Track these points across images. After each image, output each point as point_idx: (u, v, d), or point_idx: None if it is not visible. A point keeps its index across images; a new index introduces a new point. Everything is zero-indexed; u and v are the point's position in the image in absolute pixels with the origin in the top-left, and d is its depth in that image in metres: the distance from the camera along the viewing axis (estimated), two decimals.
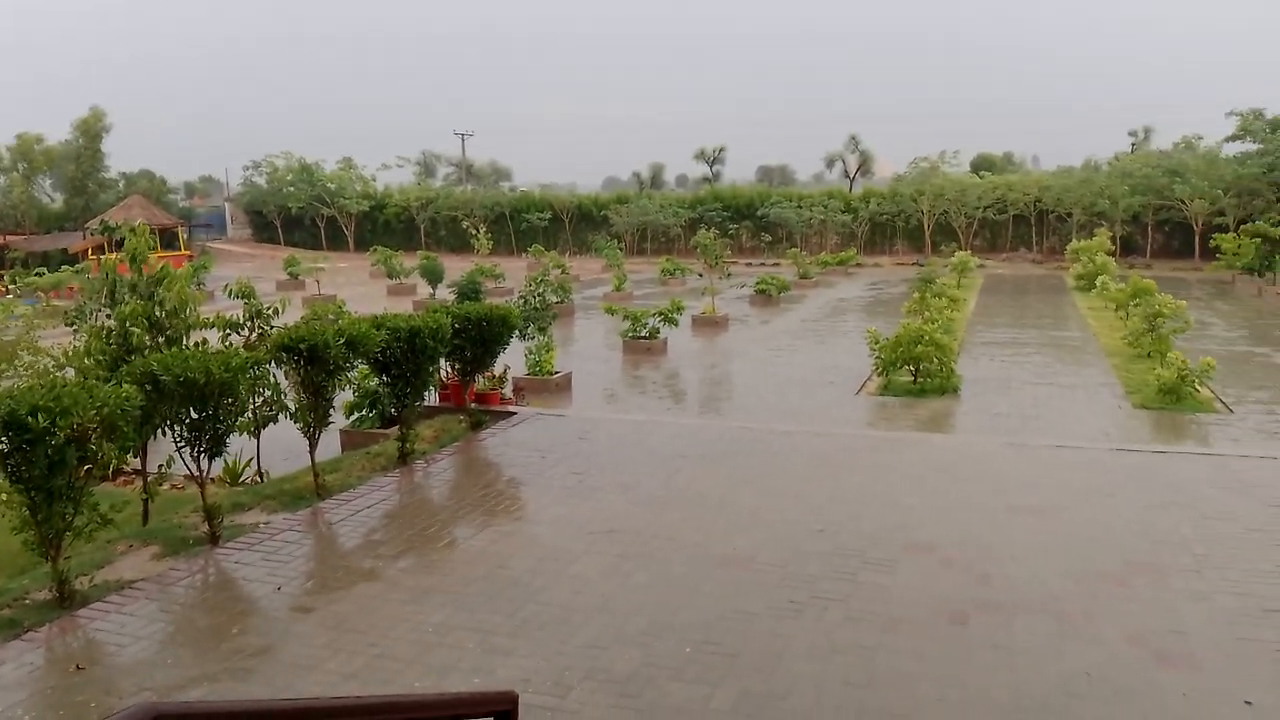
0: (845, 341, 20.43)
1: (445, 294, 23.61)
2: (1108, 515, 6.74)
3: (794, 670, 4.61)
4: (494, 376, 11.24)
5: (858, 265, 42.15)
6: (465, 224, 44.45)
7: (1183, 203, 38.82)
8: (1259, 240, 30.33)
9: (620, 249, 37.58)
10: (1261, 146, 39.35)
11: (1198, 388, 14.20)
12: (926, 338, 15.07)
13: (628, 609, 5.36)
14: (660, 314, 19.26)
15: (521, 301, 15.20)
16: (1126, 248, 40.66)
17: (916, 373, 15.23)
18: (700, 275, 29.31)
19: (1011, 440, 9.69)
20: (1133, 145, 49.66)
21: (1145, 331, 17.50)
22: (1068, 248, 37.11)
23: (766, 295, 28.45)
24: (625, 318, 19.51)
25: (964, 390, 15.04)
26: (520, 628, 5.14)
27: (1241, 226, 33.78)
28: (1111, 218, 40.47)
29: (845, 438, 9.63)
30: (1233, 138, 41.29)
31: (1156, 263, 39.44)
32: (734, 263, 38.00)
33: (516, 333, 11.30)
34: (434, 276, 28.38)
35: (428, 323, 8.57)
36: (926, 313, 19.05)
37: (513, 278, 31.76)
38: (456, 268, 31.85)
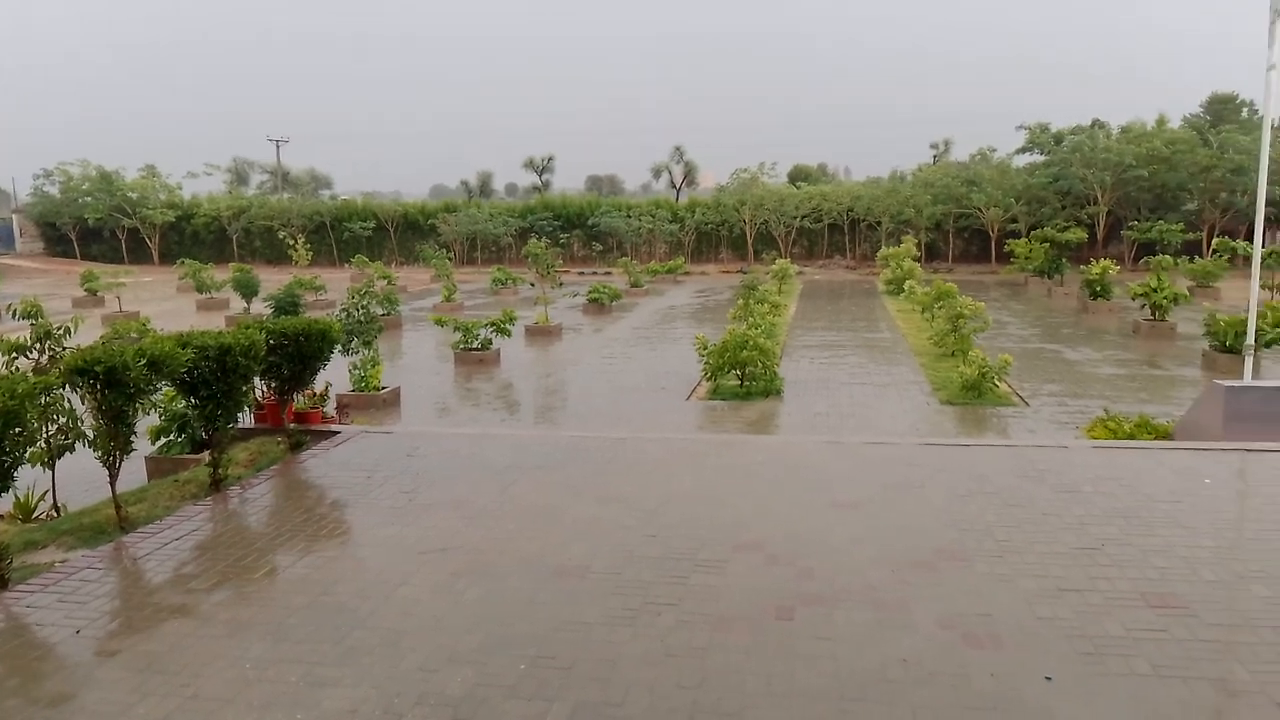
0: (676, 348, 20.84)
1: (261, 308, 22.48)
2: (919, 506, 7.14)
3: (629, 677, 4.64)
4: (315, 394, 10.78)
5: (686, 273, 43.10)
6: (282, 234, 42.46)
7: (980, 210, 41.82)
8: (1048, 245, 33.05)
9: (449, 259, 36.93)
10: (1048, 158, 42.94)
11: (997, 383, 15.29)
12: (751, 343, 15.56)
13: (461, 627, 5.24)
14: (492, 324, 19.04)
15: (344, 314, 14.68)
16: (931, 253, 43.42)
17: (743, 377, 15.71)
18: (532, 285, 29.17)
19: (831, 439, 10.13)
20: (934, 157, 53.06)
21: (949, 332, 18.72)
22: (878, 254, 39.30)
23: (599, 304, 28.66)
24: (456, 329, 19.19)
25: (787, 392, 15.62)
26: (347, 655, 4.93)
27: (1032, 232, 36.72)
28: (917, 225, 43.13)
29: (677, 442, 9.80)
30: (1022, 150, 44.89)
31: (958, 267, 42.30)
32: (566, 272, 38.10)
33: (339, 347, 10.89)
34: (248, 290, 26.98)
35: (240, 339, 8.11)
36: (750, 318, 19.69)
37: (335, 290, 30.65)
38: (273, 280, 30.44)
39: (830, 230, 46.44)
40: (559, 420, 14.39)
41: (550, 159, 65.48)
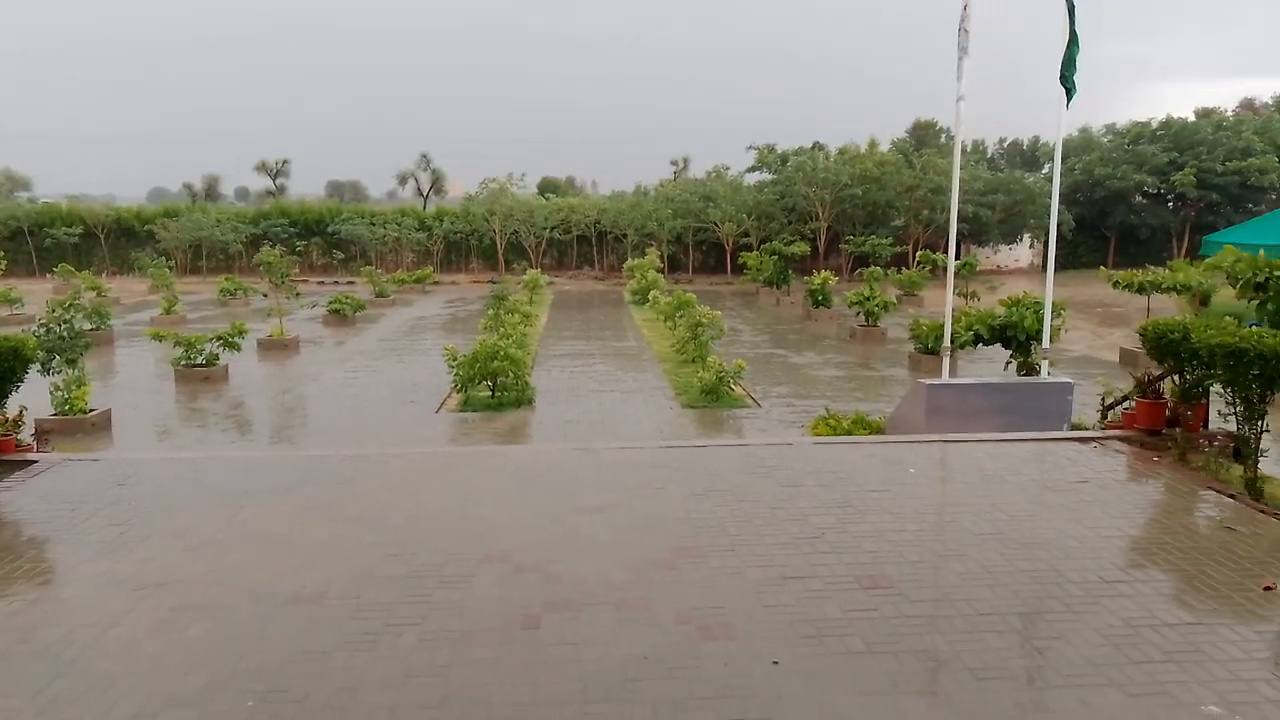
0: (425, 360, 20.37)
1: None
2: (659, 507, 7.41)
3: (368, 704, 4.47)
4: (7, 420, 9.59)
5: (435, 283, 42.29)
6: None
7: (716, 225, 44.07)
8: (776, 257, 35.34)
9: (170, 268, 34.07)
10: (775, 176, 45.97)
11: (733, 387, 16.16)
12: (502, 353, 15.52)
13: (182, 667, 4.84)
14: (220, 338, 17.78)
15: (43, 330, 13.19)
16: (673, 265, 45.21)
17: (494, 387, 15.63)
18: (265, 295, 27.52)
19: (579, 446, 10.29)
20: (674, 173, 55.40)
21: (689, 339, 19.56)
22: (624, 265, 40.44)
23: (341, 315, 27.51)
24: (177, 344, 17.74)
25: (539, 401, 15.71)
26: (47, 708, 4.42)
27: (762, 245, 39.15)
28: (659, 238, 44.79)
29: (424, 456, 9.58)
30: (752, 168, 47.80)
31: (698, 278, 44.33)
32: (303, 281, 36.21)
33: (37, 367, 9.76)
34: None
35: None
36: (502, 329, 19.64)
37: (35, 303, 27.45)
38: None
39: (579, 241, 47.22)
40: (296, 439, 13.66)
41: (285, 162, 62.20)
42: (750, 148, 47.67)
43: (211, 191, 61.68)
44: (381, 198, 77.72)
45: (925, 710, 4.43)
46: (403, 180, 61.90)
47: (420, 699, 4.51)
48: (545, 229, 46.21)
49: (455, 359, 15.72)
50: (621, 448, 9.80)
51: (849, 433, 11.88)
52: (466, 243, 47.43)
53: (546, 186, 58.96)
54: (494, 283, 37.12)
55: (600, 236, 46.87)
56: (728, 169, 47.65)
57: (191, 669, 4.83)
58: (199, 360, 17.55)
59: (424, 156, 59.28)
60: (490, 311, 22.23)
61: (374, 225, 46.32)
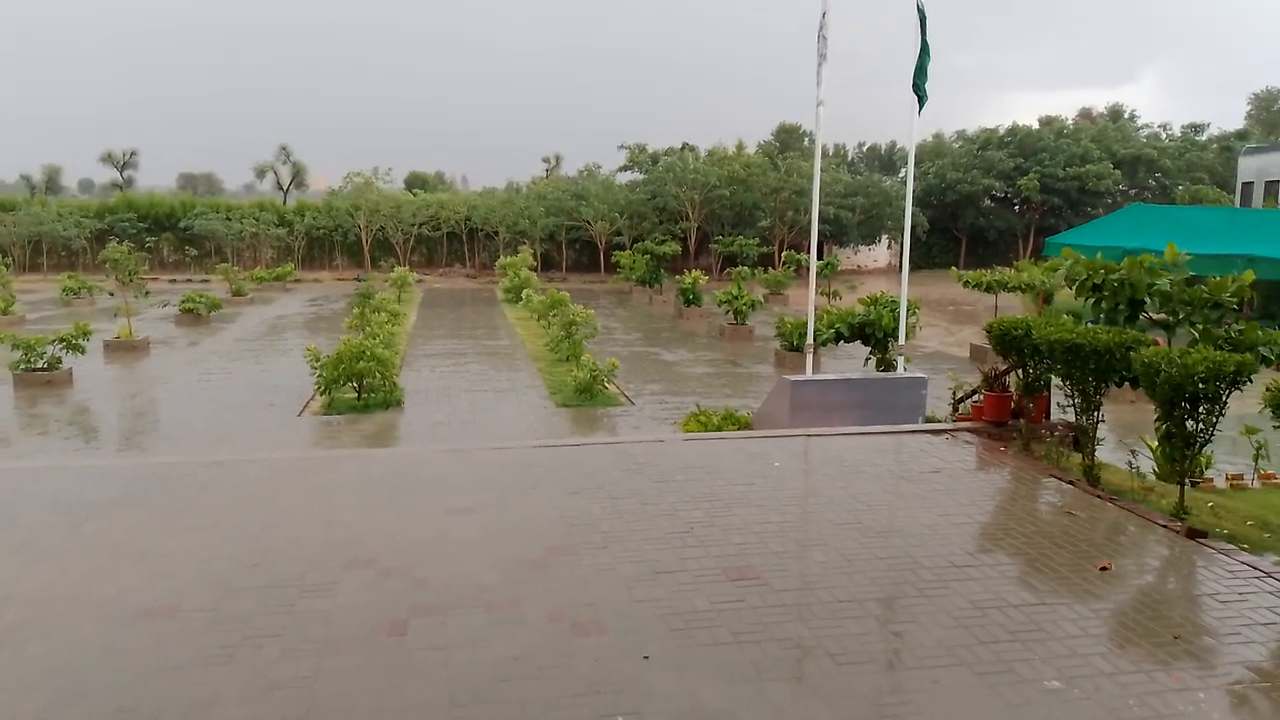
0: (286, 361, 19.67)
1: None
2: (532, 507, 7.38)
3: (225, 717, 4.30)
4: None
5: (296, 281, 40.92)
6: None
7: (589, 223, 44.17)
8: (648, 256, 35.71)
9: (7, 265, 31.76)
10: (646, 176, 46.42)
11: (606, 385, 16.25)
12: (368, 353, 15.15)
13: (22, 687, 4.55)
14: (62, 340, 16.75)
15: None
16: (546, 263, 45.09)
17: (360, 389, 15.24)
18: (112, 294, 26.00)
19: (449, 447, 10.15)
20: (547, 171, 55.26)
21: (563, 338, 19.57)
22: (496, 263, 40.06)
23: (195, 314, 26.31)
24: (15, 346, 16.61)
25: (408, 402, 15.41)
26: None
27: (635, 245, 39.48)
28: (532, 236, 44.58)
29: (285, 461, 9.25)
30: (624, 168, 48.15)
31: (571, 276, 44.35)
32: (153, 279, 34.43)
33: None
34: None
35: None
36: (368, 328, 19.16)
37: None
38: None
39: (449, 238, 46.49)
40: (147, 446, 12.98)
41: (133, 154, 59.02)
42: (621, 147, 48.08)
43: (52, 184, 57.90)
44: (239, 191, 74.64)
45: (788, 696, 4.58)
46: (261, 173, 59.65)
47: (282, 711, 4.37)
48: (414, 225, 45.30)
49: (318, 360, 15.26)
50: (493, 448, 9.72)
51: (719, 428, 12.13)
52: (330, 239, 46.04)
53: (415, 182, 57.78)
54: (359, 280, 36.16)
55: (471, 233, 46.29)
56: (599, 168, 47.85)
57: (32, 688, 4.53)
58: (39, 364, 16.46)
59: (284, 149, 57.24)
60: (355, 310, 21.64)
61: (230, 220, 44.40)
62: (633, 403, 15.97)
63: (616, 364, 16.63)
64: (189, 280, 39.61)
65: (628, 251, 37.65)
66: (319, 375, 15.24)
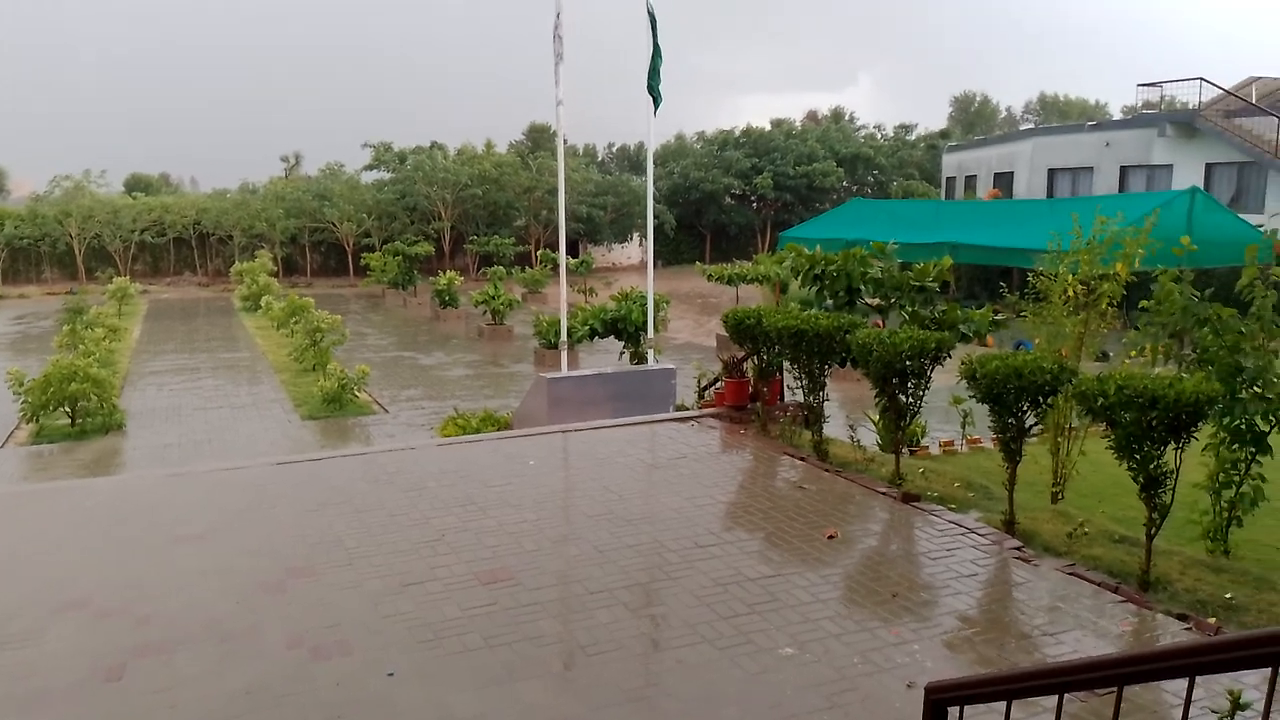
0: None
1: None
2: (270, 528, 6.96)
3: None
4: None
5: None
6: None
7: (334, 225, 42.31)
8: (400, 258, 34.69)
9: None
10: (394, 175, 45.07)
11: (357, 394, 15.65)
12: (82, 374, 13.75)
13: None
14: None
15: None
16: (290, 268, 42.77)
17: (74, 413, 13.82)
18: None
19: (176, 471, 9.36)
20: (286, 171, 52.36)
21: (308, 346, 18.63)
22: (232, 270, 37.52)
23: None
24: None
25: (131, 425, 14.14)
26: None
27: (385, 246, 38.22)
28: (271, 239, 42.09)
29: None
30: (370, 166, 46.48)
31: (318, 281, 42.33)
32: None
33: None
34: None
35: None
36: (81, 346, 17.40)
37: None
38: None
39: (177, 245, 43.01)
40: None
41: None
42: (366, 145, 46.37)
43: None
44: None
45: (540, 692, 4.59)
46: None
47: None
48: (134, 232, 41.52)
49: (21, 384, 13.66)
50: (227, 469, 9.08)
51: (478, 431, 11.99)
52: (36, 249, 41.31)
53: (135, 184, 52.93)
54: (71, 294, 32.75)
55: (203, 239, 43.06)
56: (342, 166, 45.95)
57: None
58: None
59: None
60: (66, 327, 19.58)
61: None
62: (386, 410, 15.49)
63: (367, 371, 16.06)
64: None
65: (378, 253, 36.42)
66: (24, 401, 13.66)
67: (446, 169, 42.51)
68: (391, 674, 4.71)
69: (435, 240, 42.26)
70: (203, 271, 43.27)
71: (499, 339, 24.21)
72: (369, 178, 45.99)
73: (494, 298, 24.64)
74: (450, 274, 28.61)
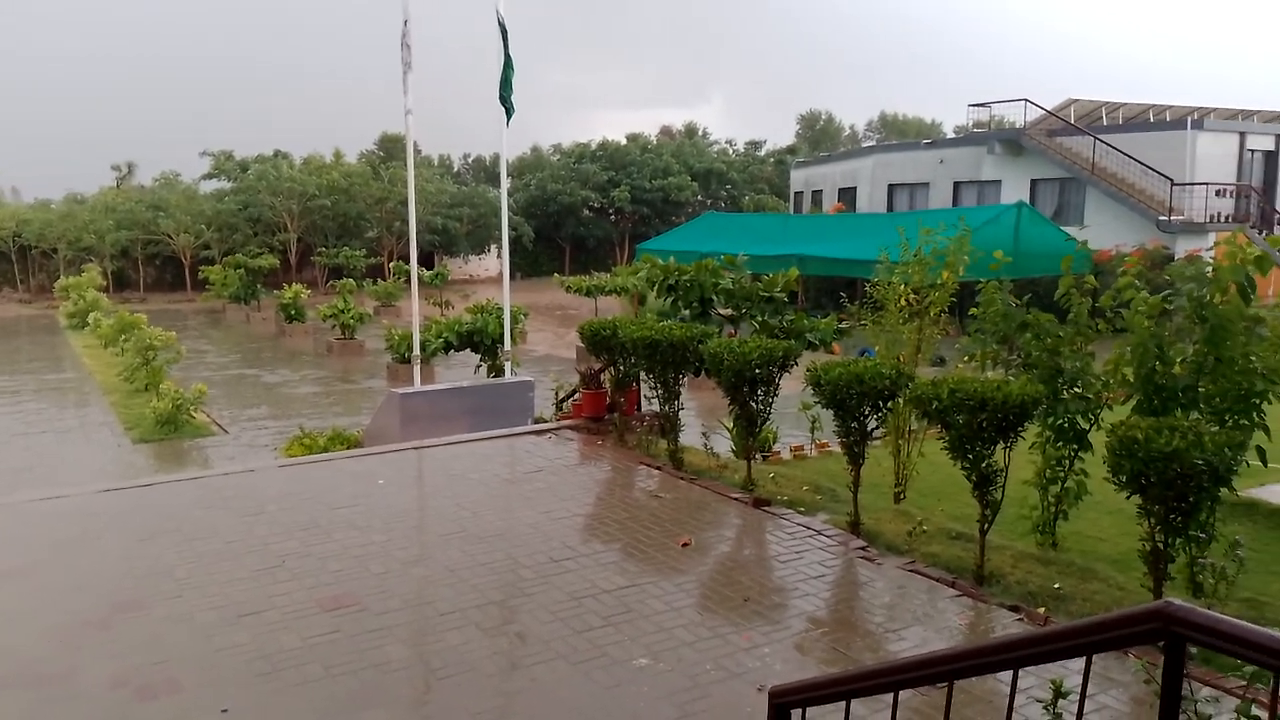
0: None
1: None
2: (94, 560, 6.48)
3: None
4: None
5: None
6: None
7: (170, 237, 40.07)
8: (242, 271, 33.11)
9: None
10: (235, 185, 43.09)
11: (194, 414, 14.80)
12: None
13: None
14: None
15: None
16: (122, 282, 40.22)
17: None
18: None
19: None
20: (118, 181, 49.23)
21: (139, 365, 17.53)
22: (57, 285, 34.97)
23: None
24: None
25: None
26: None
27: (226, 259, 36.42)
28: (100, 253, 39.47)
29: None
30: (209, 175, 44.29)
31: (152, 296, 39.97)
32: None
33: None
34: None
35: None
36: None
37: None
38: None
39: None
40: None
41: None
42: (205, 154, 44.18)
43: None
44: None
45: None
46: None
47: None
48: None
49: None
50: (49, 498, 8.39)
51: (325, 450, 11.52)
52: None
53: None
54: None
55: (23, 252, 39.97)
56: (178, 176, 43.63)
57: None
58: None
59: None
60: None
61: None
62: (227, 431, 14.73)
63: (205, 390, 15.22)
64: None
65: (218, 266, 34.67)
66: None
67: (292, 179, 40.95)
68: (225, 710, 4.44)
69: (281, 253, 40.60)
70: (24, 287, 40.17)
71: (349, 354, 23.43)
72: (208, 187, 43.85)
73: (344, 311, 23.83)
74: (297, 287, 27.50)
